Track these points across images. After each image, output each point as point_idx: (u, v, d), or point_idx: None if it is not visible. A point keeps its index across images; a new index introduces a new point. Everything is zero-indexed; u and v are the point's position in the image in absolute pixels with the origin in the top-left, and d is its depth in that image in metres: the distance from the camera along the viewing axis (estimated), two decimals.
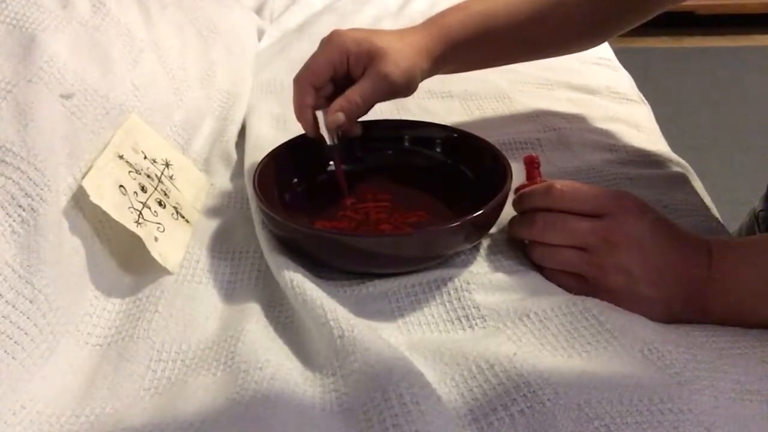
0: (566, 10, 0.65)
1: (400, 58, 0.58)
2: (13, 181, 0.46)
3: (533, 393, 0.39)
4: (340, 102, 0.57)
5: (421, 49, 0.60)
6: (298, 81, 0.58)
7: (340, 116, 0.56)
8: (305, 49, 0.94)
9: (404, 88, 0.59)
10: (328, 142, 0.59)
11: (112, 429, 0.40)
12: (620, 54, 1.00)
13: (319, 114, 0.58)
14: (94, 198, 0.50)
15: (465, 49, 0.64)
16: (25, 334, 0.43)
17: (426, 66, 0.61)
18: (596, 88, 0.85)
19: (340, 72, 0.58)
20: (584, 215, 0.49)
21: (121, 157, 0.55)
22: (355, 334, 0.43)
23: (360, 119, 0.60)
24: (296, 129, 0.62)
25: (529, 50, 0.71)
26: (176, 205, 0.58)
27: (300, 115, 0.59)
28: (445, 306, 0.49)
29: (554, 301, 0.47)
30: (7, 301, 0.43)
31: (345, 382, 0.41)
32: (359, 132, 0.62)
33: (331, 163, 0.63)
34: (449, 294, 0.50)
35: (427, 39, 0.61)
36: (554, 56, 0.76)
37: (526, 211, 0.53)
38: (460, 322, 0.48)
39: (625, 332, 0.44)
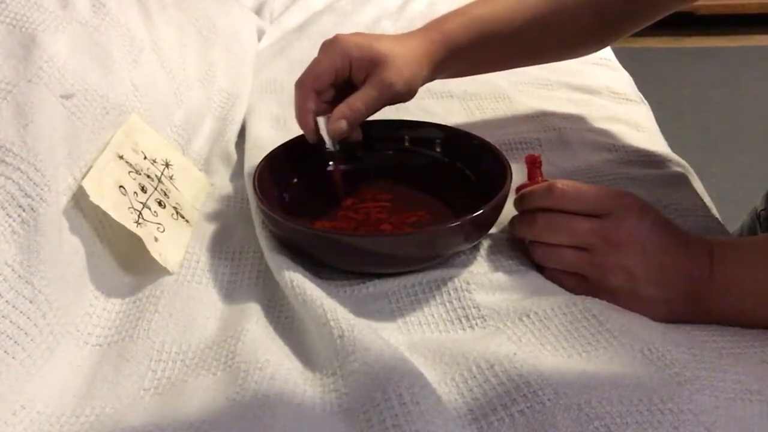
0: (567, 15, 0.65)
1: (402, 66, 0.58)
2: (13, 181, 0.46)
3: (533, 393, 0.39)
4: (342, 109, 0.56)
5: (422, 56, 0.60)
6: (300, 85, 0.58)
7: (343, 124, 0.56)
8: (305, 49, 0.94)
9: (406, 95, 0.59)
10: (329, 147, 0.59)
11: (112, 429, 0.40)
12: (620, 54, 1.00)
13: (321, 120, 0.58)
14: (94, 198, 0.50)
15: (465, 54, 0.63)
16: (25, 334, 0.43)
17: (426, 72, 0.61)
18: (596, 88, 0.85)
19: (342, 77, 0.58)
20: (585, 215, 0.49)
21: (121, 157, 0.55)
22: (355, 334, 0.43)
23: None
24: (296, 129, 0.62)
25: (530, 55, 0.71)
26: (176, 205, 0.58)
27: (301, 120, 0.59)
28: (445, 306, 0.49)
29: (554, 301, 0.47)
30: (7, 301, 0.42)
31: (345, 382, 0.41)
32: (360, 137, 0.61)
33: (331, 164, 0.63)
34: (449, 294, 0.50)
35: (428, 45, 0.61)
36: (555, 61, 0.76)
37: (526, 210, 0.53)
38: (460, 322, 0.48)
39: (625, 332, 0.44)
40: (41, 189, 0.47)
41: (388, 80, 0.57)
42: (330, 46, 0.58)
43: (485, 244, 0.56)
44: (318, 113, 0.58)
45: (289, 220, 0.52)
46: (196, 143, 0.69)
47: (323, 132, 0.58)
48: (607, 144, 0.72)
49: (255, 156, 0.64)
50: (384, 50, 0.57)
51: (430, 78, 0.63)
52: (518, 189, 0.56)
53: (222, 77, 0.78)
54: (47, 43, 0.54)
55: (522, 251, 0.54)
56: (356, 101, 0.57)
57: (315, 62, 0.58)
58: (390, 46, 0.58)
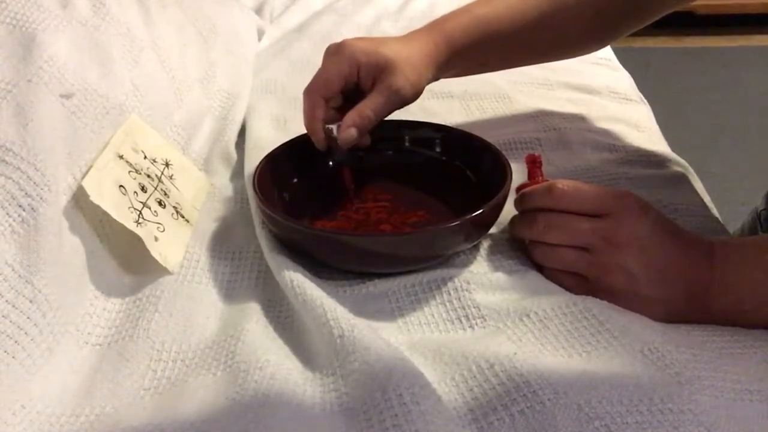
0: (568, 13, 0.65)
1: (408, 70, 0.58)
2: (13, 181, 0.46)
3: (533, 393, 0.39)
4: (352, 117, 0.56)
5: (426, 57, 0.60)
6: (309, 93, 0.58)
7: (353, 132, 0.56)
8: (305, 49, 0.95)
9: (412, 98, 0.59)
10: (339, 154, 0.60)
11: (112, 429, 0.41)
12: (620, 54, 1.00)
13: (330, 128, 0.58)
14: (94, 198, 0.50)
15: (468, 54, 0.63)
16: (25, 334, 0.43)
17: (431, 74, 0.61)
18: (596, 88, 0.85)
19: (350, 83, 0.58)
20: (586, 215, 0.49)
21: (121, 157, 0.55)
22: (355, 334, 0.43)
23: None
24: (296, 129, 0.62)
25: (532, 54, 0.71)
26: (176, 205, 0.58)
27: (311, 128, 0.58)
28: (445, 306, 0.49)
29: (554, 301, 0.47)
30: (7, 301, 0.42)
31: (345, 382, 0.41)
32: (368, 142, 0.61)
33: (331, 163, 0.63)
34: (449, 294, 0.50)
35: (432, 46, 0.61)
36: (556, 60, 0.76)
37: (527, 210, 0.53)
38: (460, 322, 0.48)
39: (625, 332, 0.44)
40: (41, 189, 0.47)
41: (396, 86, 0.57)
42: (337, 52, 0.58)
43: (485, 244, 0.56)
44: (327, 121, 0.58)
45: (289, 220, 0.52)
46: (196, 143, 0.69)
47: (334, 139, 0.58)
48: (607, 144, 0.72)
49: (255, 156, 0.64)
50: (390, 55, 0.57)
51: (434, 79, 0.63)
52: (518, 189, 0.56)
53: (222, 77, 0.78)
54: (47, 43, 0.54)
55: (522, 251, 0.54)
56: (365, 109, 0.57)
57: (323, 69, 0.58)
58: (396, 50, 0.58)
